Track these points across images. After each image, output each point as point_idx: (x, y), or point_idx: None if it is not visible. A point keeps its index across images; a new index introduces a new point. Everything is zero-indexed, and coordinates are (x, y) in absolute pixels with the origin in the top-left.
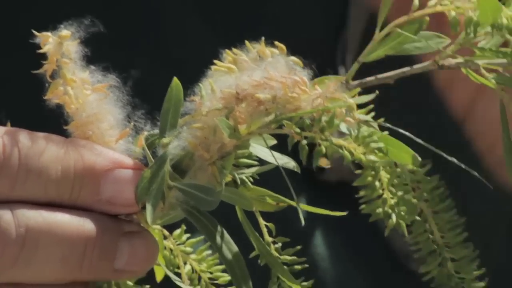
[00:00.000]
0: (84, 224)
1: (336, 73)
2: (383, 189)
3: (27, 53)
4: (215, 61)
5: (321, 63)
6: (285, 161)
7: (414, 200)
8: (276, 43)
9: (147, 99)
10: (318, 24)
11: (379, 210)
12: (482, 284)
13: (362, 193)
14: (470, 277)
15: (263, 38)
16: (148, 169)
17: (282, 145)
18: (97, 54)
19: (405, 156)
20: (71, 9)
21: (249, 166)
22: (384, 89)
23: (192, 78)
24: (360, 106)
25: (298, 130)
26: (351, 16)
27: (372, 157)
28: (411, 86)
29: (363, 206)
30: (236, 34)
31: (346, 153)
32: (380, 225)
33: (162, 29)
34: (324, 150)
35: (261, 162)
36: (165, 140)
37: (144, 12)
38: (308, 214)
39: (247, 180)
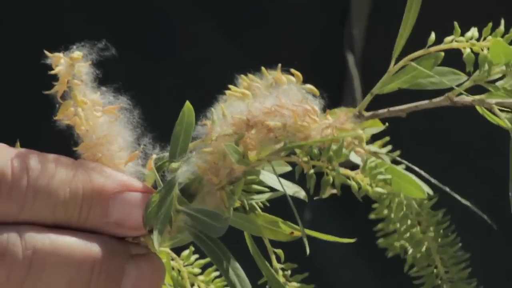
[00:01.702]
0: (91, 247)
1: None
2: (397, 222)
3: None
4: (230, 86)
5: (328, 52)
6: (295, 190)
7: (420, 233)
8: (293, 70)
9: (159, 104)
10: (323, 16)
11: (396, 244)
12: None
13: (379, 226)
14: None
15: (279, 65)
16: (156, 193)
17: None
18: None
19: (413, 189)
20: (77, 13)
21: (259, 192)
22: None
23: (204, 81)
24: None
25: (306, 159)
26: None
27: (379, 189)
28: None
29: (380, 240)
30: (245, 32)
31: (353, 183)
32: None
33: (173, 31)
34: (331, 179)
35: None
36: (174, 165)
37: (155, 15)
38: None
39: (256, 206)
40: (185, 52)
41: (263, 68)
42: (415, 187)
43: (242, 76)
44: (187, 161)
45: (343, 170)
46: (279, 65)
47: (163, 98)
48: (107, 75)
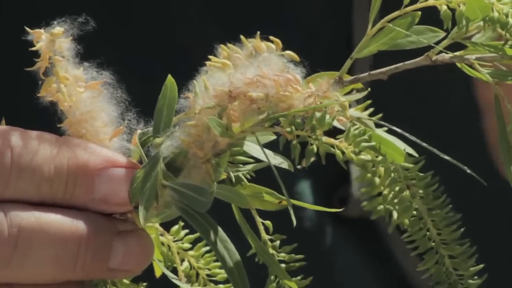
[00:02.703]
0: (77, 224)
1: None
2: (383, 186)
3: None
4: (210, 57)
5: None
6: (280, 161)
7: (410, 198)
8: (272, 37)
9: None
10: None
11: (380, 207)
12: (480, 280)
13: (363, 190)
14: (468, 274)
15: (258, 32)
16: (141, 168)
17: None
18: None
19: (397, 155)
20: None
21: (245, 163)
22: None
23: (196, 65)
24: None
25: (289, 129)
26: None
27: (363, 156)
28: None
29: (364, 203)
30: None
31: (338, 152)
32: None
33: (166, 15)
34: (315, 149)
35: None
36: (157, 140)
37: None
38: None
39: (243, 177)
40: (179, 36)
41: (242, 37)
42: (397, 152)
43: (222, 46)
44: (171, 135)
45: (327, 139)
46: (258, 32)
47: (147, 72)
48: (89, 50)
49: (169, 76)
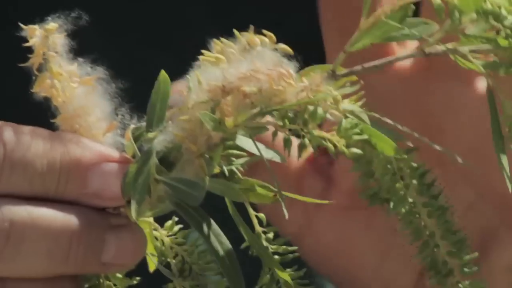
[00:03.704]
0: (69, 218)
1: None
2: (376, 178)
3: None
4: (203, 51)
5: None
6: (271, 154)
7: (404, 188)
8: (265, 31)
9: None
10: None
11: (378, 197)
12: (476, 268)
13: (357, 182)
14: (463, 262)
15: (251, 26)
16: (134, 163)
17: None
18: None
19: (387, 147)
20: None
21: (239, 157)
22: None
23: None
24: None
25: (281, 123)
26: None
27: (355, 150)
28: None
29: (360, 194)
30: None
31: (329, 145)
32: None
33: (163, 14)
34: (308, 142)
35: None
36: (150, 135)
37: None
38: None
39: (236, 171)
40: (176, 35)
41: (235, 31)
42: (388, 144)
43: (215, 40)
44: (164, 130)
45: (319, 132)
46: (251, 26)
47: (140, 68)
48: (83, 46)
49: (162, 71)
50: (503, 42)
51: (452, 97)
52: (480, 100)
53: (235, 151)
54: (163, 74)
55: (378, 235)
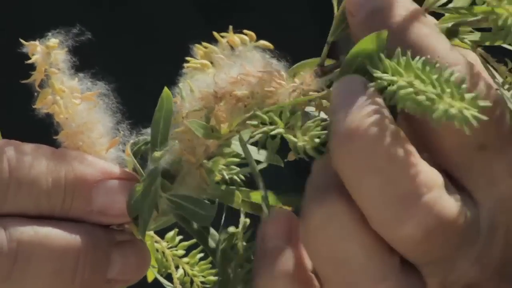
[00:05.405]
0: (75, 237)
1: None
2: None
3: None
4: (188, 58)
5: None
6: (265, 157)
7: None
8: (245, 31)
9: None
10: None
11: None
12: None
13: None
14: None
15: (231, 27)
16: (140, 183)
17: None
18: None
19: None
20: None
21: (240, 164)
22: None
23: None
24: None
25: (268, 128)
26: None
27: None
28: None
29: None
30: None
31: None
32: None
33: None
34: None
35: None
36: (156, 154)
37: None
38: None
39: (238, 179)
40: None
41: (215, 33)
42: None
43: (197, 45)
44: (170, 150)
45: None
46: (231, 27)
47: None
48: (83, 61)
49: (165, 88)
50: (478, 9)
51: None
52: None
53: (235, 159)
54: (166, 91)
55: None
